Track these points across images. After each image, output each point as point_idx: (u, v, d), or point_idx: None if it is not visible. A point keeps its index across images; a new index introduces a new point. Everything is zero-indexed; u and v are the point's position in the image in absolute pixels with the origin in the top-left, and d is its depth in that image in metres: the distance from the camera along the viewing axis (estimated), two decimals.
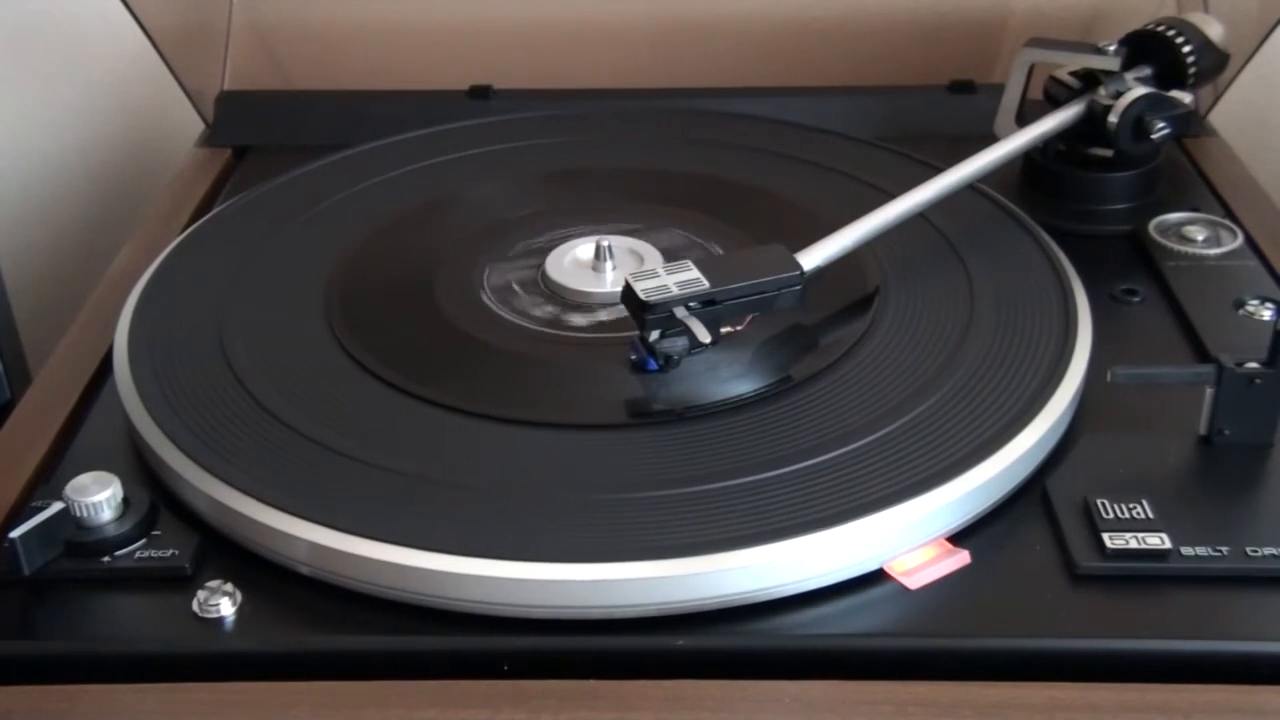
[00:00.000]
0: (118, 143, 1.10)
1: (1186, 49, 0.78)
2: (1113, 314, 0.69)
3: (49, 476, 0.60)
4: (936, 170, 0.71)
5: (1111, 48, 0.77)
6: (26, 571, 0.52)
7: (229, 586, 0.53)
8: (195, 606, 0.52)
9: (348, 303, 0.68)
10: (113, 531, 0.54)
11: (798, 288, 0.62)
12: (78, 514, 0.54)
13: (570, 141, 0.84)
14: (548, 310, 0.67)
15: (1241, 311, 0.68)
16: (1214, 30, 0.79)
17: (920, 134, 0.86)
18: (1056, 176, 0.79)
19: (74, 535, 0.54)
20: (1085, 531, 0.54)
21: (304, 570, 0.53)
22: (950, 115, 0.89)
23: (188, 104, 0.94)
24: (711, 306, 0.60)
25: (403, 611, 0.52)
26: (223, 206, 0.79)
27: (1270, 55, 0.89)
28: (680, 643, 0.51)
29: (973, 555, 0.54)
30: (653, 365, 0.61)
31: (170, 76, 0.92)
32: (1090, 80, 0.78)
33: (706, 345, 0.60)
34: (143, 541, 0.55)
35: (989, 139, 0.75)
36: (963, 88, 0.91)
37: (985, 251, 0.70)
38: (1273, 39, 0.87)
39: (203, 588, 0.52)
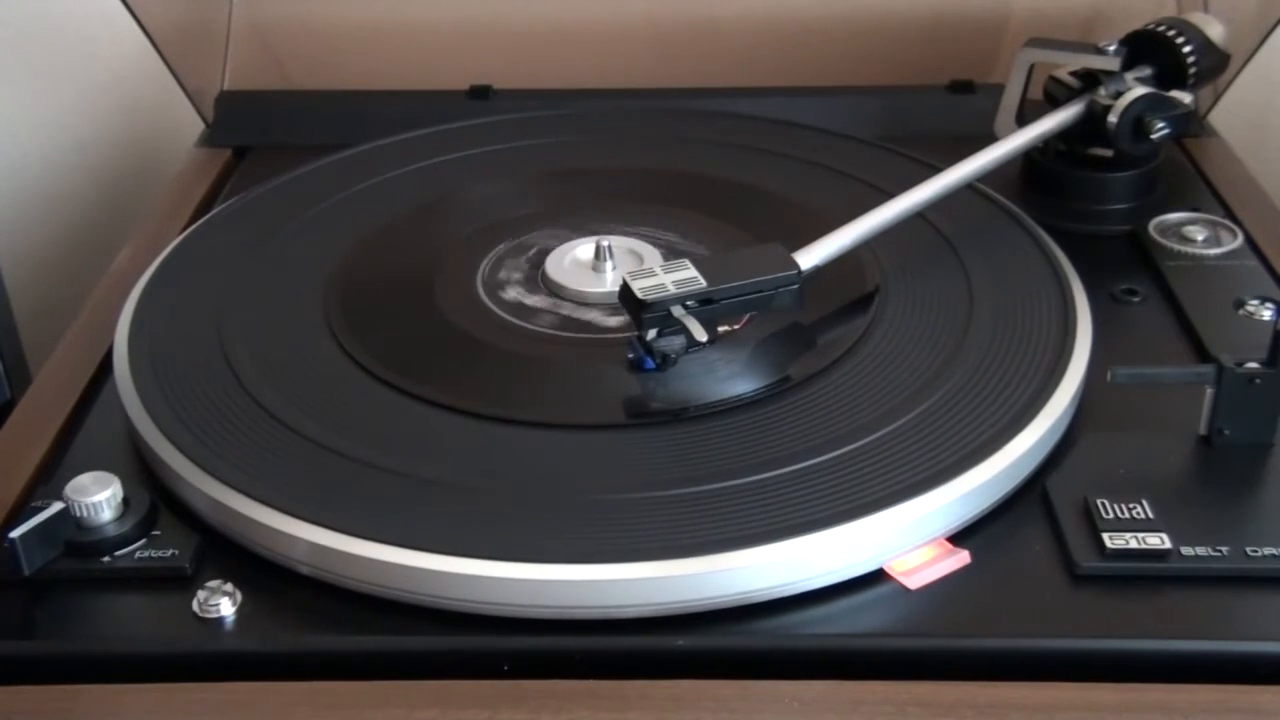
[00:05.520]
0: (118, 143, 1.09)
1: (1186, 49, 0.78)
2: (1113, 314, 0.69)
3: (49, 476, 0.60)
4: (936, 170, 0.71)
5: (1111, 48, 0.77)
6: (26, 571, 0.52)
7: (229, 586, 0.53)
8: (195, 606, 0.52)
9: (347, 303, 0.68)
10: (113, 531, 0.54)
11: (795, 287, 0.62)
12: (78, 514, 0.54)
13: (570, 141, 0.84)
14: (547, 310, 0.67)
15: (1241, 311, 0.68)
16: (1214, 30, 0.79)
17: (920, 134, 0.86)
18: (1056, 176, 0.79)
19: (74, 535, 0.54)
20: (1085, 531, 0.54)
21: (304, 570, 0.53)
22: (950, 115, 0.89)
23: (188, 104, 0.94)
24: (709, 305, 0.60)
25: (403, 611, 0.52)
26: (223, 206, 0.79)
27: (1270, 55, 0.89)
28: (680, 643, 0.51)
29: (973, 555, 0.54)
30: (650, 364, 0.61)
31: (170, 76, 0.92)
32: (1090, 80, 0.78)
33: (703, 344, 0.60)
34: (143, 541, 0.55)
35: (989, 139, 0.75)
36: (963, 88, 0.91)
37: (985, 251, 0.70)
38: (1273, 39, 0.87)
39: (203, 588, 0.52)
